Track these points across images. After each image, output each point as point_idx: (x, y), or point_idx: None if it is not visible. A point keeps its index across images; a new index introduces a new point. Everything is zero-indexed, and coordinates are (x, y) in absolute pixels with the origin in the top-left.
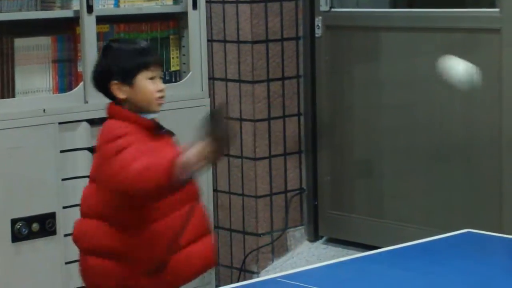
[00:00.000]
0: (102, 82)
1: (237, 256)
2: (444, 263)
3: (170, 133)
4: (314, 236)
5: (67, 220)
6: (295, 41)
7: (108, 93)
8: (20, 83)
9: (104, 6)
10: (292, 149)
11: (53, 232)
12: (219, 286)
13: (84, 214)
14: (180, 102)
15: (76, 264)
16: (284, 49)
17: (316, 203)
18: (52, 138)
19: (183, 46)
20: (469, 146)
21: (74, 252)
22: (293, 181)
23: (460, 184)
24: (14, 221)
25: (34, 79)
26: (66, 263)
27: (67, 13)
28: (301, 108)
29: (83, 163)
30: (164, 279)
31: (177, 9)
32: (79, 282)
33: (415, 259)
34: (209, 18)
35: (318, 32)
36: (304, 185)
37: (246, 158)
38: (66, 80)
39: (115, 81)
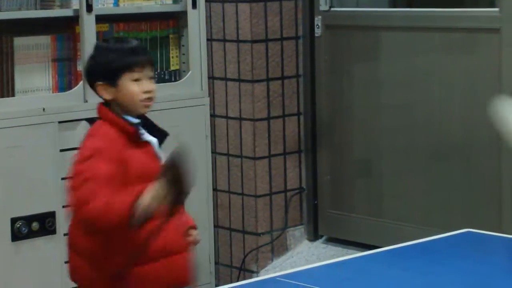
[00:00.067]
0: (89, 82)
1: (236, 256)
2: (444, 263)
3: (163, 134)
4: (314, 236)
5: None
6: (294, 40)
7: (97, 93)
8: (19, 82)
9: (103, 5)
10: (291, 149)
11: (53, 231)
12: (219, 285)
13: None
14: (179, 101)
15: None
16: (283, 48)
17: (315, 202)
18: (52, 137)
19: (183, 45)
20: (469, 146)
21: None
22: (292, 181)
23: (460, 183)
24: (14, 220)
25: (34, 78)
26: (66, 262)
27: (67, 12)
28: (300, 107)
29: None
30: None
31: (176, 8)
32: None
33: (414, 258)
34: (209, 17)
35: (318, 32)
36: (303, 185)
37: (246, 157)
38: (66, 79)
39: (100, 82)
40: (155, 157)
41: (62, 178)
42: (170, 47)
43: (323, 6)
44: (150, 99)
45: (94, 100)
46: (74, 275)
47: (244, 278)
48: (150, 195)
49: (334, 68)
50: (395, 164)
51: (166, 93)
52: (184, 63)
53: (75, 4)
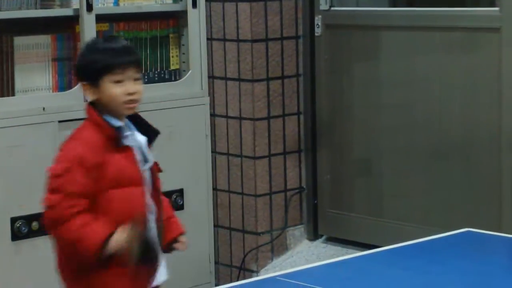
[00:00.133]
0: (77, 81)
1: (236, 255)
2: (444, 262)
3: (155, 133)
4: (314, 235)
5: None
6: (294, 40)
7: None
8: (19, 81)
9: (104, 4)
10: (291, 148)
11: None
12: (219, 284)
13: None
14: (179, 100)
15: None
16: (283, 48)
17: (315, 202)
18: (52, 137)
19: (183, 45)
20: (469, 145)
21: None
22: (292, 180)
23: (460, 183)
24: (13, 220)
25: (34, 77)
26: None
27: (67, 12)
28: (300, 107)
29: None
30: None
31: (176, 7)
32: None
33: (414, 258)
34: (209, 17)
35: (318, 31)
36: (303, 184)
37: (246, 157)
38: (66, 78)
39: (84, 82)
40: (135, 162)
41: None
42: (170, 47)
43: (323, 5)
44: (133, 101)
45: None
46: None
47: (244, 278)
48: (124, 237)
49: (334, 68)
50: (395, 163)
51: (166, 92)
52: (184, 62)
53: (75, 4)
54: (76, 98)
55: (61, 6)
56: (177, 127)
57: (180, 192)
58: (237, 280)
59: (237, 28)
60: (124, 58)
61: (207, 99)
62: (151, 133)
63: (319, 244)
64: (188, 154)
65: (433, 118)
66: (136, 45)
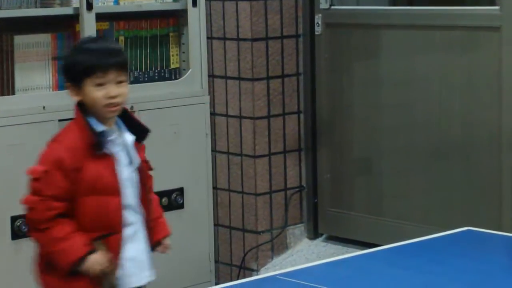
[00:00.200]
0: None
1: (236, 254)
2: (444, 261)
3: (144, 131)
4: (314, 234)
5: None
6: (295, 38)
7: None
8: (19, 80)
9: (104, 3)
10: (291, 147)
11: None
12: (219, 283)
13: None
14: (179, 99)
15: None
16: (284, 46)
17: (315, 201)
18: (52, 135)
19: (183, 44)
20: (469, 144)
21: None
22: (292, 179)
23: (460, 182)
24: (14, 219)
25: (34, 76)
26: None
27: (67, 10)
28: (300, 105)
29: None
30: None
31: (177, 6)
32: None
33: (414, 257)
34: (209, 16)
35: (318, 30)
36: (303, 183)
37: (246, 155)
38: None
39: (68, 83)
40: (113, 171)
41: None
42: (170, 45)
43: (323, 4)
44: (115, 104)
45: None
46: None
47: (244, 277)
48: (100, 262)
49: (334, 67)
50: (395, 162)
51: (166, 91)
52: (184, 61)
53: (75, 2)
54: None
55: (61, 5)
56: (177, 126)
57: (180, 191)
58: (237, 279)
59: (237, 27)
60: (106, 60)
61: (207, 98)
62: (141, 132)
63: (319, 243)
64: (188, 153)
65: (433, 117)
66: (136, 44)
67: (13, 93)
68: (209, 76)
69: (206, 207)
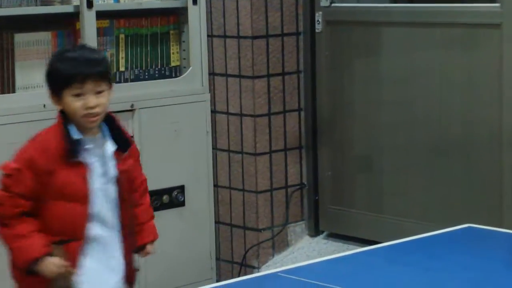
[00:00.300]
0: None
1: (237, 251)
2: (444, 258)
3: (126, 142)
4: (315, 231)
5: None
6: (295, 36)
7: None
8: (20, 78)
9: (104, 1)
10: (292, 145)
11: None
12: (220, 281)
13: None
14: (180, 97)
15: None
16: (284, 44)
17: (316, 198)
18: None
19: (183, 41)
20: (469, 142)
21: None
22: (293, 176)
23: (460, 179)
24: None
25: (34, 74)
26: None
27: (67, 8)
28: (301, 103)
29: None
30: None
31: (177, 4)
32: None
33: (415, 254)
34: (209, 13)
35: (319, 27)
36: (304, 180)
37: (247, 153)
38: None
39: (49, 92)
40: (84, 179)
41: None
42: (171, 43)
43: (323, 1)
44: (93, 114)
45: None
46: None
47: (245, 274)
48: (55, 265)
49: (334, 64)
50: (395, 160)
51: (167, 89)
52: (184, 59)
53: (75, 0)
54: None
55: (62, 2)
56: (178, 124)
57: (181, 188)
58: (238, 276)
59: (238, 24)
60: (83, 70)
61: (207, 96)
62: (123, 143)
63: (320, 240)
64: (189, 150)
65: (434, 115)
66: (137, 42)
67: (14, 91)
68: (209, 74)
69: (207, 204)
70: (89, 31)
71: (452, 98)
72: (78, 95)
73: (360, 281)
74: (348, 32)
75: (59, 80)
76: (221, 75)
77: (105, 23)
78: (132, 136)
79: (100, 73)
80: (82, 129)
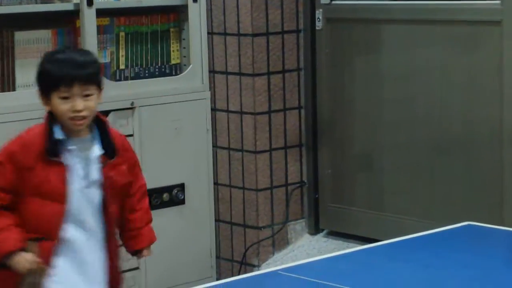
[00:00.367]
0: None
1: (237, 249)
2: (445, 256)
3: (112, 151)
4: (315, 229)
5: None
6: (295, 34)
7: None
8: (20, 76)
9: None
10: (292, 142)
11: None
12: (220, 279)
13: None
14: (180, 95)
15: None
16: (284, 42)
17: (316, 196)
18: None
19: (184, 39)
20: (470, 139)
21: None
22: (293, 174)
23: (461, 177)
24: None
25: (35, 72)
26: None
27: (67, 6)
28: (301, 101)
29: None
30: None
31: (177, 1)
32: None
33: (415, 252)
34: (210, 11)
35: (319, 25)
36: (304, 179)
37: (247, 151)
38: None
39: (39, 92)
40: (63, 179)
41: None
42: (171, 41)
43: None
44: (78, 118)
45: None
46: None
47: (245, 272)
48: (28, 261)
49: (335, 62)
50: (396, 158)
51: (167, 87)
52: (185, 57)
53: None
54: None
55: (62, 0)
56: (178, 122)
57: (181, 186)
58: (238, 274)
59: (238, 22)
60: (70, 73)
61: (208, 94)
62: (110, 149)
63: (320, 238)
64: (189, 148)
65: (434, 112)
66: (137, 40)
67: (14, 90)
68: (209, 71)
69: (207, 202)
70: (89, 29)
71: (452, 95)
72: (65, 98)
73: (361, 279)
74: (348, 29)
75: (47, 82)
76: (222, 72)
77: (105, 21)
78: (132, 135)
79: (88, 76)
80: (68, 130)
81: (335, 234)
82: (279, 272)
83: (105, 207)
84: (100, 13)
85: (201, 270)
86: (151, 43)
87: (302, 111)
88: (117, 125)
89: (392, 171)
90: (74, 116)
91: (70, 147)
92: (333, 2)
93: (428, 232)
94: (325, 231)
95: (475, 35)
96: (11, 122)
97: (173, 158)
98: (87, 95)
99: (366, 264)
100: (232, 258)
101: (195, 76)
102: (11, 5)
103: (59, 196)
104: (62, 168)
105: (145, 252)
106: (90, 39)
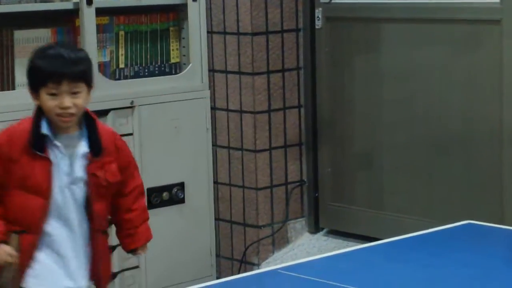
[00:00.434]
0: None
1: (237, 248)
2: (444, 255)
3: (99, 147)
4: (315, 228)
5: None
6: (295, 32)
7: None
8: (20, 75)
9: None
10: (292, 141)
11: None
12: (220, 277)
13: None
14: (180, 94)
15: None
16: (284, 40)
17: (316, 195)
18: None
19: (183, 38)
20: (470, 138)
21: None
22: (293, 173)
23: (460, 176)
24: None
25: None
26: None
27: (67, 5)
28: (301, 100)
29: None
30: None
31: (177, 0)
32: None
33: (415, 250)
34: (209, 10)
35: (318, 24)
36: (304, 177)
37: (247, 150)
38: None
39: (28, 86)
40: (47, 174)
41: None
42: (171, 40)
43: None
44: (65, 115)
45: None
46: None
47: (245, 271)
48: (7, 253)
49: (334, 61)
50: (396, 156)
51: (167, 86)
52: (184, 55)
53: None
54: None
55: None
56: (178, 121)
57: (181, 185)
58: (238, 273)
59: (237, 21)
60: (59, 70)
61: (207, 93)
62: (96, 147)
63: (320, 237)
64: (189, 147)
65: (434, 111)
66: (136, 39)
67: (13, 88)
68: (209, 70)
69: (207, 201)
70: (89, 28)
71: (452, 94)
72: (53, 94)
73: (360, 278)
74: (348, 28)
75: (36, 78)
76: (221, 71)
77: (105, 20)
78: (132, 134)
79: (77, 73)
80: (56, 126)
81: (335, 232)
82: (279, 270)
83: (89, 205)
84: (100, 12)
85: (201, 269)
86: (150, 42)
87: (302, 110)
88: (116, 124)
89: (392, 170)
90: (61, 112)
91: (56, 143)
92: (333, 1)
93: (428, 231)
94: (325, 230)
95: (475, 34)
96: (11, 121)
97: (173, 157)
98: (76, 93)
99: (366, 263)
100: (232, 257)
101: (194, 75)
102: (10, 4)
103: (43, 191)
104: (46, 163)
105: (140, 251)
106: (89, 38)
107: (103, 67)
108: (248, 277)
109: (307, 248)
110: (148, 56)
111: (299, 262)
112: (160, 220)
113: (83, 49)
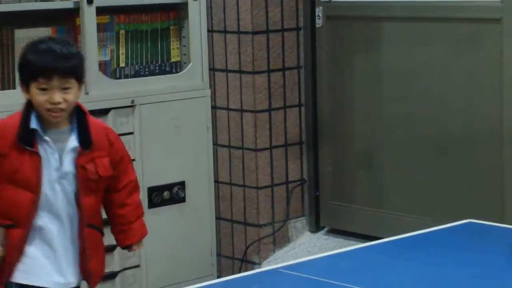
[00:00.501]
0: None
1: (238, 247)
2: (445, 254)
3: (88, 141)
4: (316, 227)
5: None
6: (295, 31)
7: None
8: None
9: None
10: (293, 140)
11: None
12: (221, 277)
13: None
14: (180, 93)
15: None
16: (284, 39)
17: (317, 194)
18: None
19: (184, 37)
20: (470, 137)
21: None
22: (294, 172)
23: (461, 175)
24: None
25: None
26: None
27: (67, 4)
28: (302, 99)
29: None
30: None
31: None
32: None
33: (416, 249)
34: (210, 9)
35: (319, 23)
36: (305, 176)
37: (247, 149)
38: None
39: (19, 80)
40: (36, 168)
41: None
42: (171, 39)
43: None
44: (55, 110)
45: (95, 92)
46: None
47: (246, 270)
48: None
49: (335, 59)
50: (396, 155)
51: (167, 85)
52: (185, 54)
53: None
54: None
55: None
56: (178, 120)
57: (182, 184)
58: (239, 272)
59: (238, 20)
60: (50, 65)
61: (208, 91)
62: (86, 140)
63: (321, 236)
64: (189, 146)
65: (434, 110)
66: (137, 38)
67: (14, 88)
68: (210, 69)
69: (208, 200)
70: (89, 27)
71: (452, 93)
72: (44, 89)
73: (361, 276)
74: (348, 27)
75: (27, 72)
76: (222, 70)
77: (105, 18)
78: (132, 133)
79: (68, 69)
80: (46, 121)
81: (335, 231)
82: (280, 269)
83: (78, 199)
84: (100, 11)
85: (202, 268)
86: (151, 41)
87: (303, 109)
88: (117, 123)
89: (393, 169)
90: (51, 108)
91: (45, 138)
92: None
93: (429, 230)
94: (325, 229)
95: (475, 33)
96: None
97: (174, 156)
98: (66, 88)
99: (367, 262)
100: (232, 256)
101: (195, 74)
102: (11, 3)
103: (32, 185)
104: (36, 157)
105: (134, 247)
106: (90, 37)
107: (103, 66)
108: (249, 276)
109: (308, 247)
110: (149, 55)
111: (300, 261)
112: (160, 219)
113: (75, 45)
